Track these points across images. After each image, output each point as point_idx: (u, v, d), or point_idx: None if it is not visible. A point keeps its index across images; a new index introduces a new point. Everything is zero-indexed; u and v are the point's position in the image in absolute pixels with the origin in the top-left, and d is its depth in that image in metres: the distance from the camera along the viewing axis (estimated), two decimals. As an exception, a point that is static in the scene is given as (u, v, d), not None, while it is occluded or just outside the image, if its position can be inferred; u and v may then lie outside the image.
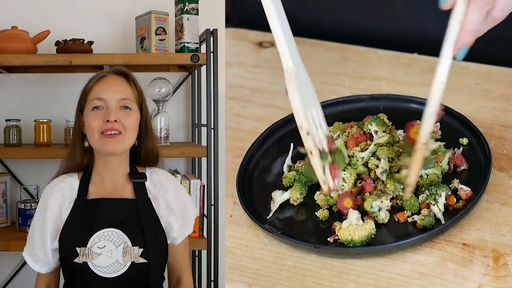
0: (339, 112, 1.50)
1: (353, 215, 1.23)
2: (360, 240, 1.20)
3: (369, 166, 1.30)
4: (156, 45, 1.86)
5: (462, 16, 1.09)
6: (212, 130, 1.85)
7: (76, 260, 1.25)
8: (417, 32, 1.63)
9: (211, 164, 1.84)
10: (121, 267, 1.26)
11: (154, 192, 1.34)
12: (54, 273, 1.37)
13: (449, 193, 1.25)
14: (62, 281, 1.36)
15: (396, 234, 1.23)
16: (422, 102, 1.47)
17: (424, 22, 1.62)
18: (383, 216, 1.25)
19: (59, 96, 2.10)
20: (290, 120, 1.49)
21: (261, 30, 1.72)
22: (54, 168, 1.41)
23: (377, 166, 1.29)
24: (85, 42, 1.89)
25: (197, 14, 1.87)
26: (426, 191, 1.26)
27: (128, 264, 1.26)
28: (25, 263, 1.90)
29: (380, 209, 1.25)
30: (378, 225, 1.25)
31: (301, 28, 1.68)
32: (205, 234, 1.89)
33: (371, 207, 1.25)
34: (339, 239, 1.23)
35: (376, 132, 1.33)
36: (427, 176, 1.28)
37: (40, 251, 1.33)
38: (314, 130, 1.14)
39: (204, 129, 1.98)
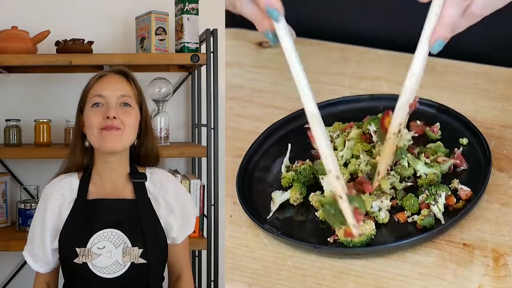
0: (339, 112, 1.50)
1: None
2: (360, 240, 1.20)
3: (349, 167, 1.30)
4: (156, 45, 1.86)
5: (439, 9, 1.09)
6: (212, 130, 1.85)
7: (75, 260, 1.25)
8: (416, 32, 1.63)
9: (211, 164, 1.84)
10: (120, 267, 1.26)
11: (154, 192, 1.34)
12: (54, 273, 1.37)
13: (449, 193, 1.25)
14: (61, 281, 1.36)
15: (396, 234, 1.23)
16: (422, 102, 1.47)
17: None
18: (383, 216, 1.25)
19: (59, 96, 2.11)
20: (290, 120, 1.49)
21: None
22: (54, 168, 1.41)
23: (359, 165, 1.30)
24: (85, 42, 1.89)
25: (197, 14, 1.87)
26: (426, 191, 1.26)
27: (128, 264, 1.26)
28: (25, 263, 1.90)
29: (380, 209, 1.25)
30: (378, 225, 1.25)
31: (301, 28, 1.69)
32: (205, 234, 1.89)
33: (371, 207, 1.25)
34: (338, 239, 1.23)
35: (375, 132, 1.33)
36: (427, 176, 1.28)
37: (40, 251, 1.33)
38: (340, 174, 1.12)
39: (204, 129, 1.98)
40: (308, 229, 1.28)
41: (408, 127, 1.44)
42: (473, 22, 1.10)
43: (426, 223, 1.21)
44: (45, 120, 1.98)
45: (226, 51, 1.74)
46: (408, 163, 1.31)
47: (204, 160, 2.00)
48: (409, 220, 1.25)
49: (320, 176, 1.24)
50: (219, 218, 1.84)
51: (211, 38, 1.84)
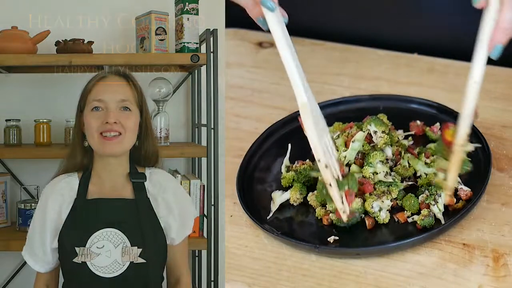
0: (339, 112, 1.50)
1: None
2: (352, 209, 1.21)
3: (365, 175, 1.30)
4: (156, 45, 1.86)
5: (496, 14, 1.08)
6: (212, 130, 1.84)
7: (75, 260, 1.25)
8: (417, 32, 1.63)
9: (211, 164, 1.83)
10: (120, 267, 1.26)
11: (154, 192, 1.34)
12: (54, 273, 1.37)
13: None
14: (61, 280, 1.36)
15: (396, 234, 1.23)
16: (422, 102, 1.48)
17: (424, 22, 1.62)
18: (384, 216, 1.25)
19: (59, 96, 2.10)
20: (290, 120, 1.49)
21: (261, 30, 1.72)
22: (54, 168, 1.41)
23: (374, 173, 1.29)
24: (85, 42, 1.89)
25: (197, 14, 1.87)
26: (426, 191, 1.26)
27: (127, 264, 1.26)
28: (25, 263, 1.90)
29: (380, 209, 1.25)
30: (378, 225, 1.25)
31: (301, 28, 1.69)
32: (205, 234, 1.89)
33: (372, 207, 1.25)
34: (339, 239, 1.23)
35: (375, 132, 1.33)
36: (427, 176, 1.28)
37: (40, 250, 1.33)
38: (330, 162, 1.16)
39: (204, 129, 1.97)
40: (308, 229, 1.28)
41: (408, 127, 1.44)
42: None
43: (426, 223, 1.21)
44: (45, 120, 1.98)
45: (226, 51, 1.74)
46: (408, 163, 1.31)
47: (204, 160, 2.00)
48: (409, 220, 1.25)
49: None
50: (219, 218, 1.84)
51: (211, 38, 1.84)
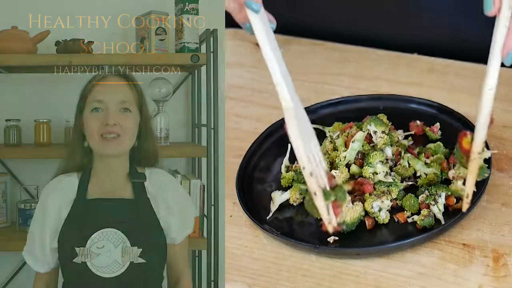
0: (338, 112, 1.50)
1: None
2: (352, 222, 1.21)
3: (365, 175, 1.30)
4: (156, 45, 1.86)
5: (507, 21, 1.09)
6: (212, 130, 1.84)
7: (75, 260, 1.25)
8: (417, 32, 1.63)
9: (211, 164, 1.83)
10: (120, 267, 1.26)
11: (154, 192, 1.34)
12: (54, 273, 1.37)
13: (449, 193, 1.25)
14: (61, 280, 1.36)
15: (396, 235, 1.23)
16: (422, 102, 1.48)
17: (424, 22, 1.62)
18: (384, 217, 1.25)
19: (59, 96, 2.10)
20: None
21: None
22: (54, 168, 1.40)
23: (374, 173, 1.29)
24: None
25: (197, 14, 1.87)
26: (426, 191, 1.26)
27: (127, 264, 1.26)
28: (25, 263, 1.90)
29: (380, 209, 1.25)
30: (378, 225, 1.25)
31: (301, 28, 1.69)
32: (205, 234, 1.89)
33: (372, 207, 1.25)
34: (338, 239, 1.23)
35: (375, 132, 1.33)
36: (427, 176, 1.28)
37: (40, 250, 1.33)
38: (316, 170, 1.12)
39: (204, 129, 1.97)
40: (308, 229, 1.28)
41: (408, 127, 1.44)
42: None
43: (426, 223, 1.21)
44: (45, 120, 1.98)
45: (226, 51, 1.74)
46: (408, 163, 1.31)
47: (204, 160, 2.00)
48: (409, 220, 1.25)
49: None
50: (219, 218, 1.84)
51: (211, 38, 1.84)
